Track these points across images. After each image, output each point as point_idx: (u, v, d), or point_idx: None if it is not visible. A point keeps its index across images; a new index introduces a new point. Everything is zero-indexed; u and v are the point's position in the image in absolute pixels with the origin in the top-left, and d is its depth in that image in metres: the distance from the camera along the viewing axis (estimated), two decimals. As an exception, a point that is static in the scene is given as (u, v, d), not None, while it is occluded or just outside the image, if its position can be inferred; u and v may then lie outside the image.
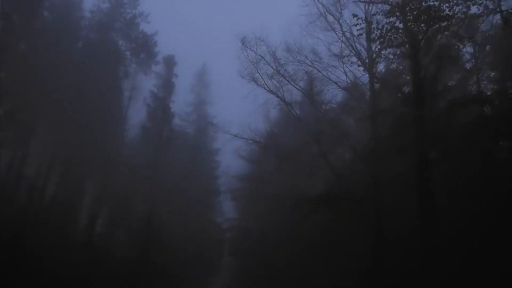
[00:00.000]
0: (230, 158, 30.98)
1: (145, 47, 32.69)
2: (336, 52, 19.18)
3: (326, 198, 16.71)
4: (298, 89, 19.78)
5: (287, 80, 19.20)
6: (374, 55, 17.71)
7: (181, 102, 44.19)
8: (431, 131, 13.89)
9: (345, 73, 19.19)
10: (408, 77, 16.38)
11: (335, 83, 19.20)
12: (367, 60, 18.60)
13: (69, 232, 30.73)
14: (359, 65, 18.53)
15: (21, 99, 26.94)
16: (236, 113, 25.98)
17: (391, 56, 16.43)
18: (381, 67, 18.79)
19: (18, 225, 26.26)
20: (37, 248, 26.19)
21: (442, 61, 14.51)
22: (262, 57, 19.80)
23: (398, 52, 15.80)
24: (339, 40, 19.11)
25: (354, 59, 18.59)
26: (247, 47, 19.83)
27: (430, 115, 14.21)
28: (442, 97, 15.62)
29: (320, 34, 19.59)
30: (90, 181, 34.26)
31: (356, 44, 18.96)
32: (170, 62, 36.59)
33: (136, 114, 37.72)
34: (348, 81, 19.35)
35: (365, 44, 18.93)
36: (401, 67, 17.16)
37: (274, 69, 19.56)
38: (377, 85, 18.70)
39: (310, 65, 19.18)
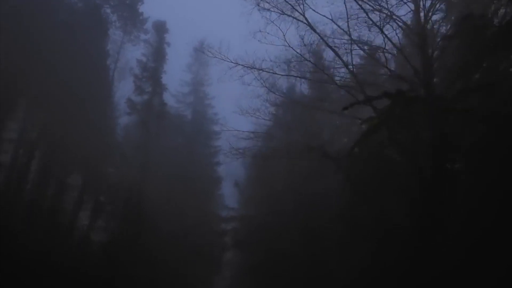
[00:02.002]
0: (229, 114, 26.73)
1: (130, 7, 28.80)
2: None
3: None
4: None
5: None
6: None
7: (176, 82, 41.11)
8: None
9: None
10: None
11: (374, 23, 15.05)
12: None
13: (52, 223, 27.58)
14: None
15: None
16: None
17: None
18: None
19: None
20: (15, 241, 22.93)
21: None
22: None
23: None
24: None
25: None
26: None
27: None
28: None
29: None
30: (74, 169, 30.88)
31: None
32: (160, 28, 32.62)
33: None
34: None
35: None
36: None
37: None
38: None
39: None
